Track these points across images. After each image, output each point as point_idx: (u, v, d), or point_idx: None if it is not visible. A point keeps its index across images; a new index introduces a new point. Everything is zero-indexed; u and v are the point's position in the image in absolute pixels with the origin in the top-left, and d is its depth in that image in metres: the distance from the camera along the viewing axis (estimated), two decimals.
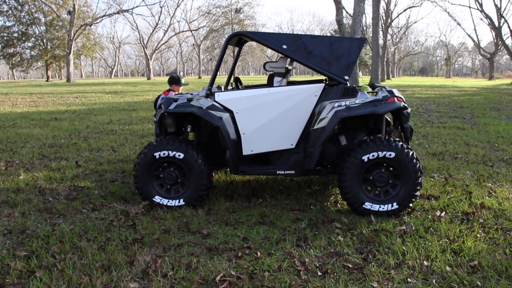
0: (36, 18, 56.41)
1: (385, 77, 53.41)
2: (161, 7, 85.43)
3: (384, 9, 56.77)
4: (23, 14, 54.92)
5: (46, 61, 57.44)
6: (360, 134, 5.48)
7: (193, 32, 74.36)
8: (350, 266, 3.83)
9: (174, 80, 7.67)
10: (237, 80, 6.53)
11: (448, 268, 3.77)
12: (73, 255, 4.01)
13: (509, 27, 46.46)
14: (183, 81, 7.77)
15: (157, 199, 5.33)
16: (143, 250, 4.13)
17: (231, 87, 6.47)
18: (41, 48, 57.44)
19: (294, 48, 5.34)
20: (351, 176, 4.96)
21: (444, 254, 4.03)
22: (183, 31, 79.13)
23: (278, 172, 5.36)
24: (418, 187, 4.96)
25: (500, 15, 49.70)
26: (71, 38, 48.79)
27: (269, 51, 65.96)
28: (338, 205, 5.46)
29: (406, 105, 5.18)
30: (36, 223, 4.86)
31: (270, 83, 5.92)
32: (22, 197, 5.76)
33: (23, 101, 21.00)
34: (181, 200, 5.32)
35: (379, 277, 3.64)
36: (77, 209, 5.33)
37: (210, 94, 5.41)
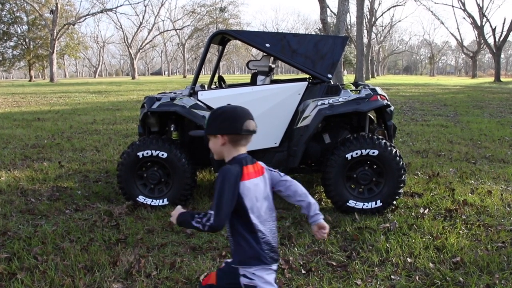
0: (18, 17, 55.66)
1: (370, 75, 53.69)
2: (145, 6, 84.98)
3: (368, 7, 57.14)
4: (4, 13, 54.13)
5: (28, 60, 56.77)
6: (344, 132, 5.49)
7: (177, 31, 74.17)
8: (334, 264, 3.84)
9: None
10: (221, 79, 6.51)
11: (431, 264, 3.79)
12: (56, 256, 3.96)
13: (491, 26, 47.05)
14: None
15: (140, 198, 5.30)
16: (126, 250, 4.10)
17: (214, 86, 6.45)
18: (23, 47, 56.73)
19: (278, 47, 5.33)
20: (335, 174, 4.97)
21: (427, 250, 4.05)
22: (167, 30, 78.96)
23: None
24: (402, 185, 4.98)
25: (482, 14, 50.25)
26: (54, 37, 48.28)
27: (254, 50, 65.97)
28: (322, 203, 5.47)
29: (389, 103, 5.21)
30: (18, 225, 4.80)
31: (253, 82, 5.91)
32: (4, 198, 5.68)
33: (5, 102, 20.74)
34: (165, 199, 5.29)
35: (363, 274, 3.65)
36: (60, 210, 5.28)
37: (193, 93, 5.39)
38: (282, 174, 2.54)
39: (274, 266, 2.36)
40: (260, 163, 2.45)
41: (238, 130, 2.29)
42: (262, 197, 2.35)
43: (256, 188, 2.32)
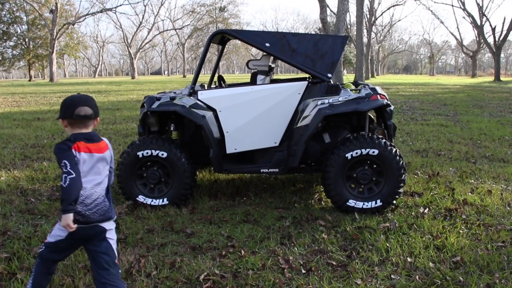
0: (17, 17, 55.60)
1: (370, 75, 53.71)
2: (145, 6, 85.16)
3: (368, 7, 57.14)
4: (4, 12, 54.07)
5: (28, 60, 56.72)
6: (344, 132, 5.49)
7: (177, 30, 74.22)
8: (334, 263, 3.84)
9: None
10: (220, 79, 6.51)
11: (431, 264, 3.79)
12: None
13: (490, 25, 46.97)
14: None
15: (140, 198, 5.29)
16: (126, 250, 4.10)
17: (214, 86, 6.45)
18: (23, 47, 56.68)
19: (278, 46, 5.33)
20: (335, 173, 4.97)
21: (427, 250, 4.05)
22: (167, 30, 78.98)
23: (262, 170, 5.35)
24: (402, 184, 4.98)
25: (482, 14, 50.25)
26: (54, 37, 48.26)
27: (254, 50, 66.01)
28: (322, 202, 5.48)
29: (389, 102, 5.20)
30: (17, 224, 4.80)
31: (253, 81, 5.91)
32: (4, 198, 5.68)
33: (5, 101, 20.73)
34: (165, 199, 5.29)
35: (363, 274, 3.65)
36: (60, 209, 5.26)
37: (193, 93, 5.39)
38: (112, 164, 3.15)
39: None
40: (106, 143, 3.04)
41: (71, 115, 2.79)
42: (86, 170, 2.80)
43: (84, 162, 2.79)
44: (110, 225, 2.95)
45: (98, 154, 2.88)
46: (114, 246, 2.95)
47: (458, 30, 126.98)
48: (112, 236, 2.95)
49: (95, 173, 2.87)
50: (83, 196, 2.80)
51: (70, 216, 2.70)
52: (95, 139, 2.90)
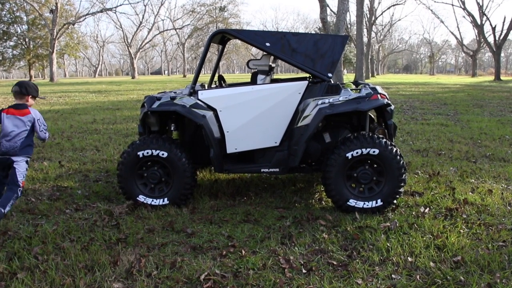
0: (17, 17, 55.51)
1: (370, 74, 53.67)
2: (145, 6, 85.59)
3: (368, 6, 57.11)
4: (4, 12, 53.98)
5: (28, 60, 56.66)
6: (344, 131, 5.49)
7: (177, 30, 74.20)
8: (335, 263, 3.84)
9: (30, 90, 5.03)
10: (221, 78, 6.51)
11: (432, 263, 3.79)
12: (56, 256, 3.96)
13: (491, 25, 46.91)
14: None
15: (141, 198, 5.29)
16: (127, 250, 4.10)
17: (214, 85, 6.45)
18: (23, 47, 56.62)
19: (278, 46, 5.33)
20: (335, 173, 4.97)
21: (428, 250, 4.05)
22: (167, 30, 78.94)
23: (262, 170, 5.35)
24: (402, 184, 4.98)
25: (482, 13, 50.21)
26: (54, 37, 48.23)
27: (254, 49, 66.00)
28: (323, 202, 5.47)
29: (389, 102, 5.20)
30: (18, 224, 4.80)
31: (253, 81, 5.91)
32: None
33: (5, 101, 20.73)
34: (165, 199, 5.29)
35: (364, 273, 3.65)
36: (60, 209, 5.28)
37: (193, 93, 5.39)
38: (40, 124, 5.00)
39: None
40: (30, 111, 4.92)
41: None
42: (7, 130, 4.76)
43: (4, 122, 4.79)
44: (17, 158, 4.81)
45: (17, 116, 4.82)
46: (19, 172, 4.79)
47: (458, 30, 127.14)
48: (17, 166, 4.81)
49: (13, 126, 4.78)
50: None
51: None
52: (19, 108, 4.87)
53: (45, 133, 5.01)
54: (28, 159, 4.99)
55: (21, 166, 4.84)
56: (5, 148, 4.75)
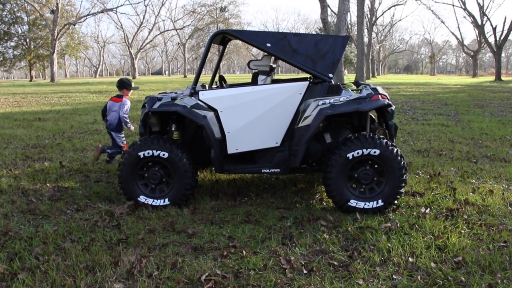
0: (18, 17, 55.65)
1: (370, 75, 53.62)
2: (145, 6, 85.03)
3: (368, 7, 57.15)
4: (5, 13, 54.14)
5: (29, 60, 56.80)
6: (345, 132, 5.48)
7: (178, 31, 74.25)
8: (336, 263, 3.83)
9: (124, 84, 7.72)
10: (222, 79, 6.51)
11: (433, 264, 3.79)
12: (57, 257, 3.96)
13: (491, 25, 46.90)
14: (133, 85, 7.77)
15: (142, 199, 5.29)
16: (128, 250, 4.10)
17: (215, 86, 6.45)
18: (24, 47, 56.75)
19: (279, 46, 5.33)
20: (336, 173, 4.96)
21: (429, 250, 4.05)
22: (168, 30, 78.98)
23: (263, 170, 5.35)
24: (403, 184, 4.98)
25: (483, 13, 50.20)
26: (55, 37, 48.26)
27: (255, 50, 66.02)
28: (324, 203, 5.47)
29: (390, 102, 5.20)
30: (19, 225, 4.80)
31: (254, 82, 5.91)
32: (5, 199, 5.68)
33: (6, 102, 20.75)
34: (166, 199, 5.28)
35: (365, 274, 3.65)
36: (61, 210, 5.28)
37: (194, 93, 5.39)
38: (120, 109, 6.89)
39: None
40: (121, 99, 7.18)
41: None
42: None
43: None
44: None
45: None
46: None
47: (459, 30, 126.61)
48: None
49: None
50: None
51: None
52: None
53: (126, 119, 7.38)
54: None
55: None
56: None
